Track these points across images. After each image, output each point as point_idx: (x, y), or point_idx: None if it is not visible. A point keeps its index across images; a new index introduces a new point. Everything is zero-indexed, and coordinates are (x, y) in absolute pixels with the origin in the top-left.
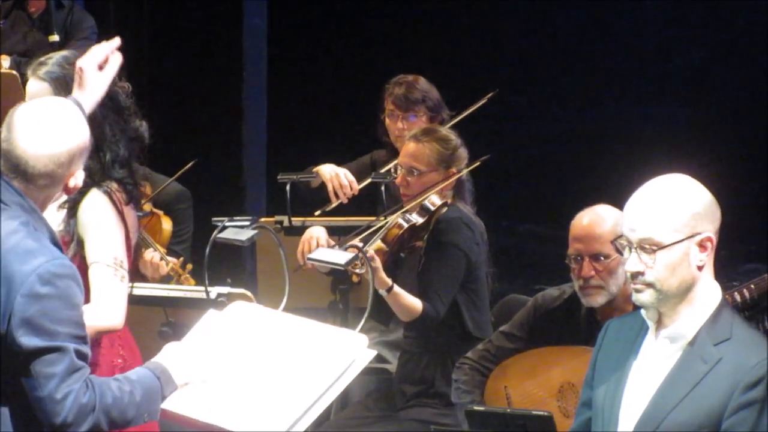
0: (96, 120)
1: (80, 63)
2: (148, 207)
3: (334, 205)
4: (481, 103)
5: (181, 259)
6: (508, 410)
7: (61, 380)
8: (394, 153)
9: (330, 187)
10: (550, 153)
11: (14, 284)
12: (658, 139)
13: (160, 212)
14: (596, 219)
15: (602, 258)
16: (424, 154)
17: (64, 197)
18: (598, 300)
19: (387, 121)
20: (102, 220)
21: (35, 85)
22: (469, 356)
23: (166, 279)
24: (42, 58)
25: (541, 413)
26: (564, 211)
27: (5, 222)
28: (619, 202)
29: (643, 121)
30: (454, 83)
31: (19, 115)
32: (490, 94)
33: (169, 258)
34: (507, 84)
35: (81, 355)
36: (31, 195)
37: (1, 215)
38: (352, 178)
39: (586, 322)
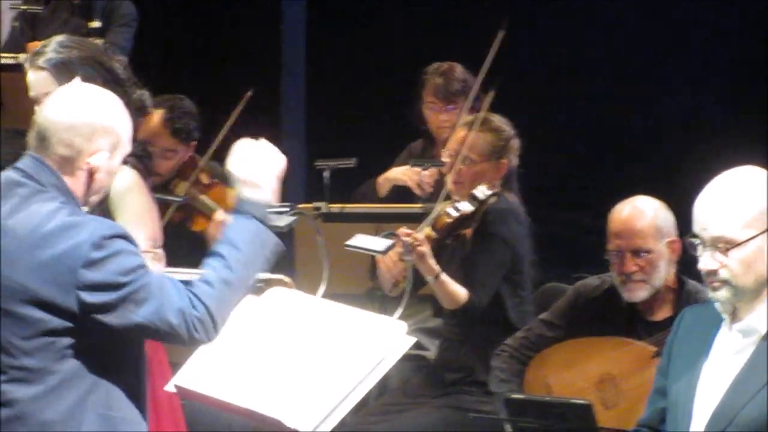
0: None
1: None
2: (206, 179)
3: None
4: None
5: None
6: (547, 398)
7: (164, 306)
8: (432, 141)
9: (413, 185)
10: (594, 141)
11: (70, 260)
12: (706, 128)
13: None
14: (635, 213)
15: (643, 253)
16: (478, 144)
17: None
18: (641, 295)
19: (426, 111)
20: (136, 201)
21: (34, 75)
22: (509, 344)
23: None
24: (38, 48)
25: (581, 402)
26: (606, 200)
27: (45, 203)
28: (663, 194)
29: (695, 109)
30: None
31: (55, 92)
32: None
33: None
34: (553, 70)
35: (164, 279)
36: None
37: (39, 197)
38: (416, 168)
39: (626, 314)
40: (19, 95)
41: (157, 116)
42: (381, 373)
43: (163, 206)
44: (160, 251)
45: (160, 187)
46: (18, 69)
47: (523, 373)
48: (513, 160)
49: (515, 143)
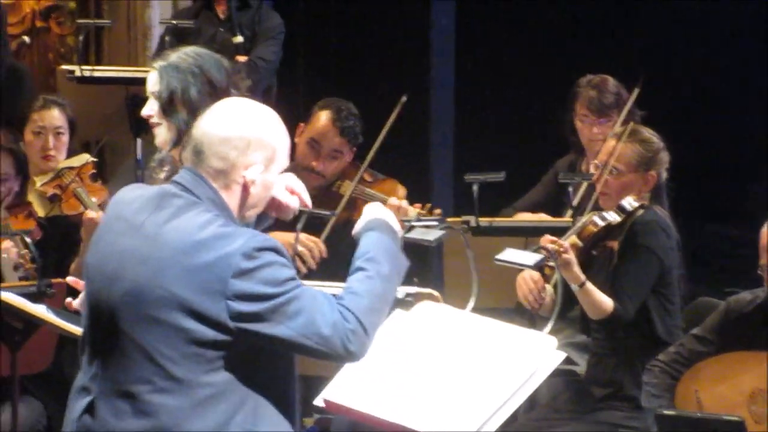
0: (179, 95)
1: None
2: (369, 177)
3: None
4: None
5: (428, 205)
6: (699, 414)
7: (316, 319)
8: (582, 154)
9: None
10: (746, 151)
11: (221, 269)
12: None
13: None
14: None
15: None
16: (626, 155)
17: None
18: None
19: (578, 124)
20: None
21: (150, 75)
22: (660, 359)
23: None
24: (165, 55)
25: (733, 418)
26: (758, 213)
27: (199, 214)
28: None
29: None
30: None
31: (213, 106)
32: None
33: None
34: (698, 79)
35: (315, 293)
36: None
37: (193, 208)
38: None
39: None
40: None
41: (324, 116)
42: (531, 388)
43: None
44: None
45: (323, 188)
46: None
47: (675, 388)
48: (662, 172)
49: (664, 156)
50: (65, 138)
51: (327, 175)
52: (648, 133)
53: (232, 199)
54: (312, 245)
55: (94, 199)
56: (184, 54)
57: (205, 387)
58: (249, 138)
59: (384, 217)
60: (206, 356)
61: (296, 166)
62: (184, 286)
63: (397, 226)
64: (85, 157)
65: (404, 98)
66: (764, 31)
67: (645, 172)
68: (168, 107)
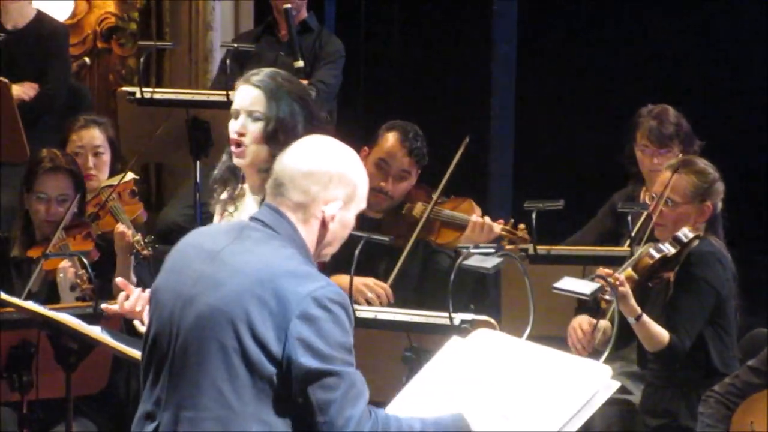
0: (288, 125)
1: None
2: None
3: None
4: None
5: (512, 220)
6: None
7: (341, 406)
8: (641, 183)
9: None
10: None
11: (290, 305)
12: None
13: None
14: None
15: None
16: (681, 186)
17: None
18: None
19: (638, 154)
20: None
21: (245, 89)
22: (716, 390)
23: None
24: (255, 70)
25: None
26: None
27: (279, 248)
28: None
29: None
30: (699, 110)
31: (295, 142)
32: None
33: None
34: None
35: (357, 382)
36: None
37: (272, 241)
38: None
39: None
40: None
41: (392, 137)
42: (585, 417)
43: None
44: None
45: (393, 211)
46: (226, 107)
47: (730, 420)
48: (717, 203)
49: (719, 186)
50: (106, 157)
51: (395, 196)
52: (703, 164)
53: (309, 234)
54: (381, 292)
55: (125, 215)
56: (283, 79)
57: (259, 423)
58: (332, 173)
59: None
60: (264, 391)
61: None
62: (255, 315)
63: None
64: (129, 175)
65: (467, 139)
66: None
67: (700, 203)
68: (272, 134)
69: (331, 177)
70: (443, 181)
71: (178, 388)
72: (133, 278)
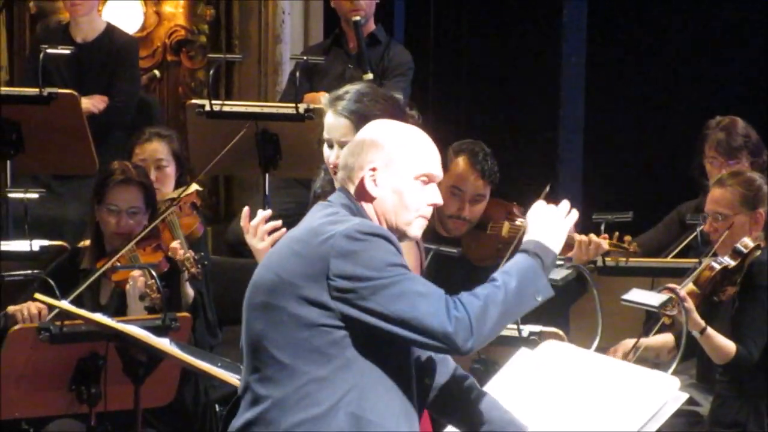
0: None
1: None
2: (519, 211)
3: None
4: None
5: (617, 233)
6: None
7: (418, 303)
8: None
9: None
10: None
11: (326, 250)
12: None
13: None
14: None
15: None
16: (726, 198)
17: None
18: None
19: (708, 166)
20: None
21: (334, 119)
22: None
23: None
24: (339, 92)
25: None
26: None
27: (323, 211)
28: None
29: None
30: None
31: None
32: None
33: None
34: None
35: (420, 281)
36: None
37: (323, 210)
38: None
39: None
40: (298, 144)
41: (462, 162)
42: (654, 428)
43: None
44: None
45: (473, 233)
46: (295, 119)
47: None
48: None
49: None
50: (169, 170)
51: (473, 219)
52: (750, 173)
53: (365, 205)
54: None
55: (180, 231)
56: (369, 100)
57: (311, 375)
58: (364, 140)
59: (545, 229)
60: (313, 343)
61: (441, 216)
62: (293, 269)
63: (556, 239)
64: (193, 186)
65: (548, 188)
66: None
67: (752, 211)
68: None
69: (363, 144)
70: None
71: (246, 361)
72: (189, 291)
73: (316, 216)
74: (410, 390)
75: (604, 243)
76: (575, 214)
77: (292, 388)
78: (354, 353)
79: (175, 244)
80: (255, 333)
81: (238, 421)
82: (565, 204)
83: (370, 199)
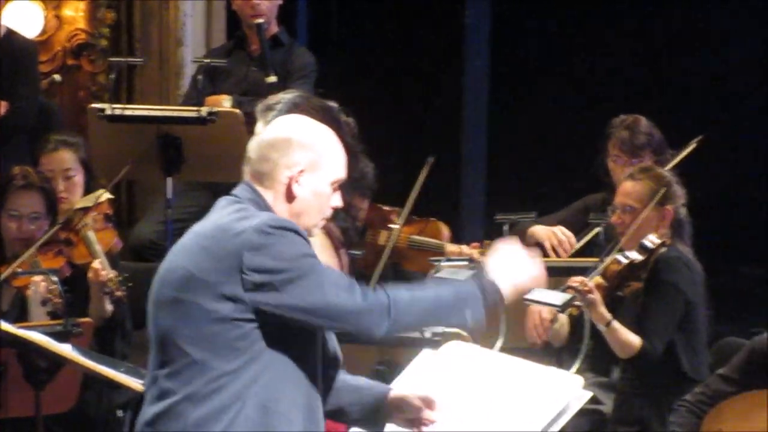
0: None
1: None
2: (397, 217)
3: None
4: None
5: (488, 242)
6: None
7: (328, 291)
8: (613, 195)
9: (548, 245)
10: None
11: (237, 245)
12: None
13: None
14: None
15: None
16: (637, 191)
17: None
18: None
19: (611, 164)
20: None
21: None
22: (687, 399)
23: None
24: (270, 101)
25: None
26: None
27: (229, 208)
28: None
29: None
30: (672, 119)
31: None
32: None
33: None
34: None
35: (331, 269)
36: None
37: (231, 206)
38: (569, 233)
39: None
40: (200, 148)
41: None
42: (558, 427)
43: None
44: None
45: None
46: (198, 122)
47: (698, 427)
48: (679, 208)
49: (678, 190)
50: (77, 179)
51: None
52: (659, 169)
53: (277, 202)
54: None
55: (99, 248)
56: (302, 112)
57: (221, 368)
58: (292, 139)
59: (504, 270)
60: (225, 337)
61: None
62: (204, 264)
63: (509, 282)
64: (101, 195)
65: (431, 159)
66: None
67: (661, 207)
68: None
69: (291, 143)
70: (407, 207)
71: (151, 356)
72: (109, 307)
73: (223, 213)
74: (316, 381)
75: (475, 253)
76: (539, 269)
77: (201, 381)
78: (263, 346)
79: (96, 264)
80: (163, 328)
81: (145, 415)
82: (535, 253)
83: (291, 199)
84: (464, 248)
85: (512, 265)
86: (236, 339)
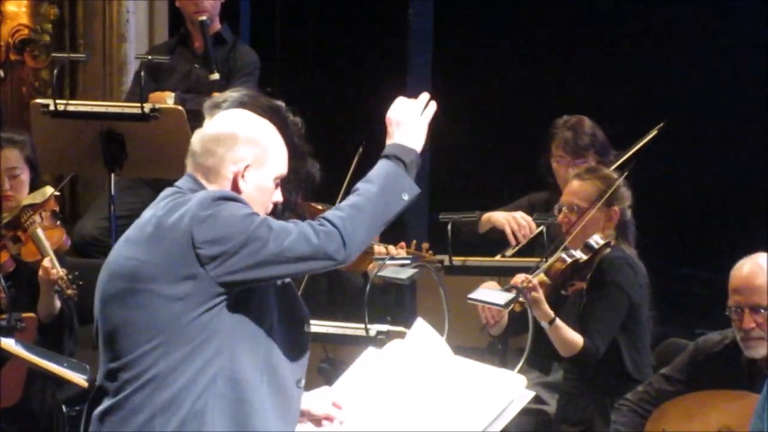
0: None
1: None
2: (323, 207)
3: (517, 248)
4: (644, 141)
5: (414, 242)
6: None
7: (281, 237)
8: (557, 194)
9: (509, 230)
10: (717, 196)
11: (184, 225)
12: None
13: None
14: (755, 269)
15: (762, 310)
16: (585, 190)
17: None
18: (760, 351)
19: (554, 164)
20: None
21: None
22: (629, 398)
23: None
24: (218, 99)
25: None
26: (730, 256)
27: (169, 198)
28: None
29: None
30: (618, 119)
31: None
32: (653, 132)
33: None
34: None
35: (277, 220)
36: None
37: (175, 199)
38: (528, 218)
39: (747, 369)
40: (143, 145)
41: None
42: (500, 427)
43: None
44: None
45: None
46: (141, 119)
47: (643, 427)
48: (625, 209)
49: (625, 191)
50: (23, 177)
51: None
52: (606, 170)
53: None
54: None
55: (48, 246)
56: (246, 105)
57: (183, 349)
58: (238, 134)
59: (403, 129)
60: (185, 317)
61: None
62: (154, 250)
63: (415, 137)
64: (48, 191)
65: (361, 148)
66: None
67: (607, 208)
68: None
69: (237, 138)
70: (338, 201)
71: (104, 351)
72: (57, 304)
73: (160, 204)
74: (275, 343)
75: (402, 252)
76: (433, 107)
77: (164, 364)
78: (223, 317)
79: (46, 262)
80: (115, 321)
81: (106, 407)
82: (424, 97)
83: (233, 190)
84: (391, 248)
85: (407, 120)
86: (198, 315)
